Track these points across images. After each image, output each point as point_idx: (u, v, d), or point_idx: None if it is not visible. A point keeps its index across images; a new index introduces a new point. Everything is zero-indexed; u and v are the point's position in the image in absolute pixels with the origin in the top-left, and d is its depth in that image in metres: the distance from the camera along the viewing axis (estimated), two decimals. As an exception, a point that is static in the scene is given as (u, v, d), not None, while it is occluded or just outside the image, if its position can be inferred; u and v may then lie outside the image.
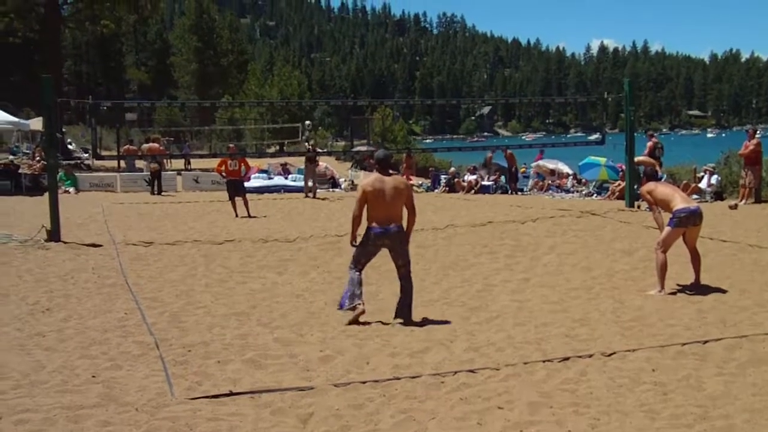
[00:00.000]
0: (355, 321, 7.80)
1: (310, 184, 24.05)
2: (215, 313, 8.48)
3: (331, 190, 27.99)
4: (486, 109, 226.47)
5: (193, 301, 9.11)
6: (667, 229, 9.05)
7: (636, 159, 18.58)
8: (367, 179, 8.11)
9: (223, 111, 63.92)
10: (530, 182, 27.35)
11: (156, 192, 25.35)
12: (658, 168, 17.75)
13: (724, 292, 8.88)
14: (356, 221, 7.99)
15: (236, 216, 17.97)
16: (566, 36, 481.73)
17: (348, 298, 7.93)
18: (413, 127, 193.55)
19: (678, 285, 9.27)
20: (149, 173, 26.39)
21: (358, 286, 7.91)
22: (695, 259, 9.31)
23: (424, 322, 7.94)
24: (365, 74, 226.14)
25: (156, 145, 28.58)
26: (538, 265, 11.29)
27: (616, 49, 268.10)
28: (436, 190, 27.61)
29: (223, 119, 63.73)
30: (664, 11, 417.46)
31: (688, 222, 8.96)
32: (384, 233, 7.80)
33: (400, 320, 7.86)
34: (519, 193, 25.88)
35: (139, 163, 32.03)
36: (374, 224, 7.82)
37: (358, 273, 7.99)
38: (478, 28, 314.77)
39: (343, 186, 29.06)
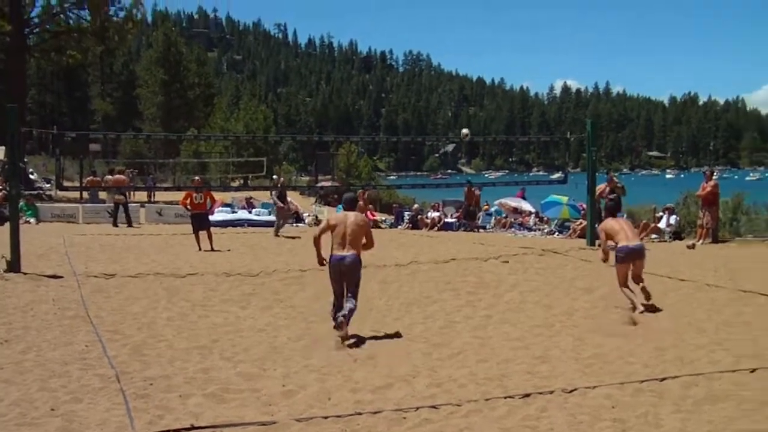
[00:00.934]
0: (344, 338, 8.60)
1: (273, 218, 24.03)
2: (177, 346, 8.42)
3: (295, 225, 27.94)
4: (450, 147, 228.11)
5: (155, 334, 9.03)
6: (616, 267, 10.38)
7: (597, 189, 18.81)
8: (334, 213, 9.15)
9: (189, 144, 63.51)
10: (492, 220, 27.52)
11: (127, 224, 25.01)
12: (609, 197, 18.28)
13: (681, 330, 9.00)
14: (315, 243, 9.27)
15: (199, 249, 17.87)
16: (530, 76, 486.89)
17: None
18: (378, 164, 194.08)
19: (638, 313, 9.46)
20: (112, 205, 26.09)
21: (332, 307, 9.06)
22: (639, 283, 10.36)
23: (386, 358, 7.96)
24: (331, 110, 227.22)
25: (121, 176, 28.24)
26: (500, 302, 11.36)
27: (578, 90, 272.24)
28: (399, 227, 27.71)
29: (188, 152, 63.28)
30: (625, 54, 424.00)
31: (628, 258, 10.22)
32: (340, 260, 8.94)
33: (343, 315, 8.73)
34: (481, 230, 26.03)
35: (103, 195, 31.74)
36: (333, 252, 8.98)
37: (334, 298, 9.07)
38: (444, 67, 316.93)
39: (307, 221, 29.03)
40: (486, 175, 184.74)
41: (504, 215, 27.42)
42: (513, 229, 25.62)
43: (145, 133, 66.21)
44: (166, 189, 36.10)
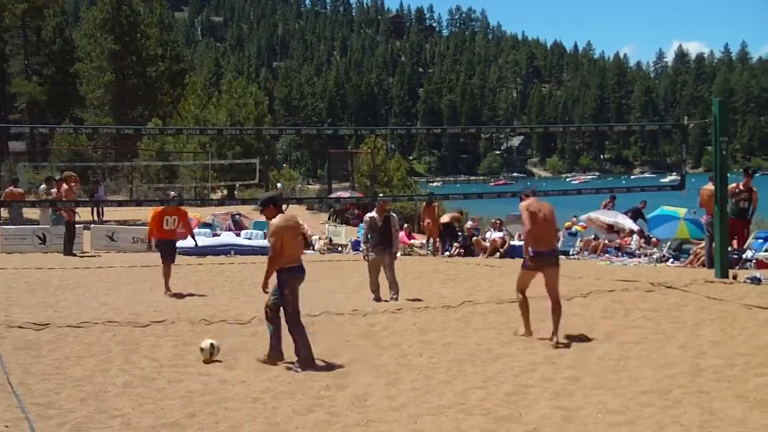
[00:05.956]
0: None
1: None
2: (138, 424, 8.40)
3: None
4: (516, 141, 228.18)
5: (105, 407, 9.02)
6: (521, 271, 12.68)
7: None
8: (278, 219, 11.15)
9: (150, 140, 63.94)
10: (578, 242, 27.35)
11: (65, 251, 25.06)
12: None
13: None
14: (274, 262, 11.01)
15: (169, 292, 17.66)
16: (629, 38, 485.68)
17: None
18: (415, 166, 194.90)
19: None
20: (65, 224, 25.88)
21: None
22: (555, 311, 12.32)
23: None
24: (348, 91, 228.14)
25: (71, 185, 27.54)
26: (592, 358, 11.27)
27: (700, 56, 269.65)
28: (446, 253, 27.64)
29: (150, 152, 63.73)
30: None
31: (539, 265, 12.41)
32: (303, 272, 11.23)
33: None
34: (562, 256, 25.91)
35: (30, 212, 31.88)
36: (293, 264, 11.06)
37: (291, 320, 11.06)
38: (506, 28, 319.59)
39: (317, 246, 29.03)
40: (568, 179, 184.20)
41: (594, 236, 27.28)
42: (608, 255, 25.49)
43: (88, 126, 66.37)
44: (121, 203, 36.28)
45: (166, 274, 18.07)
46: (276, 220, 11.14)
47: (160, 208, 18.59)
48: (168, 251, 18.31)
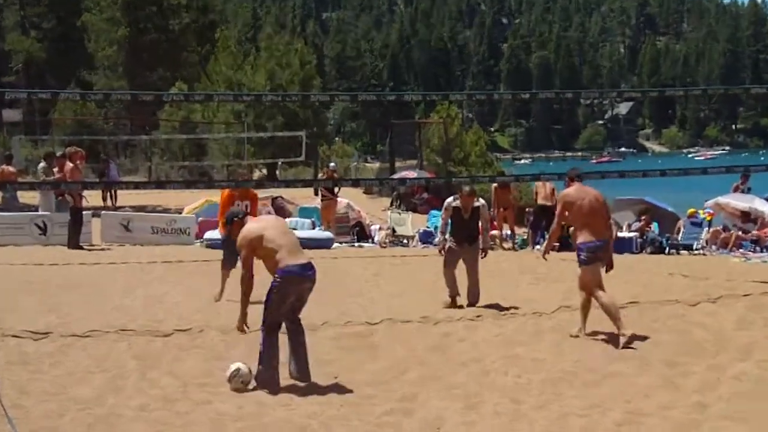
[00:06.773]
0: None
1: (328, 234, 24.02)
2: (156, 455, 8.44)
3: (356, 244, 27.95)
4: (624, 108, 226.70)
5: (118, 435, 9.08)
6: (581, 270, 13.15)
7: None
8: (244, 229, 11.05)
9: (173, 109, 64.22)
10: (705, 233, 27.08)
11: (69, 244, 25.26)
12: None
13: None
14: (247, 284, 10.91)
15: (219, 299, 17.51)
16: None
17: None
18: (497, 139, 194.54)
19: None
20: (70, 211, 26.03)
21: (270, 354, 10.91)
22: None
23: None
24: (414, 47, 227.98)
25: (72, 164, 27.57)
26: (724, 378, 11.13)
27: None
28: (538, 247, 27.52)
29: (173, 123, 64.07)
30: None
31: (598, 257, 13.00)
32: (310, 272, 10.83)
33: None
34: (683, 251, 25.70)
35: (26, 196, 32.12)
36: (291, 263, 10.67)
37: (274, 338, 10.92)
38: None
39: (378, 238, 28.98)
40: (690, 156, 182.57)
41: (723, 226, 27.01)
42: (742, 250, 25.22)
43: (97, 91, 66.67)
44: (138, 185, 36.53)
45: (225, 278, 17.43)
46: (241, 233, 11.00)
47: (228, 190, 18.54)
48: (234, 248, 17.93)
